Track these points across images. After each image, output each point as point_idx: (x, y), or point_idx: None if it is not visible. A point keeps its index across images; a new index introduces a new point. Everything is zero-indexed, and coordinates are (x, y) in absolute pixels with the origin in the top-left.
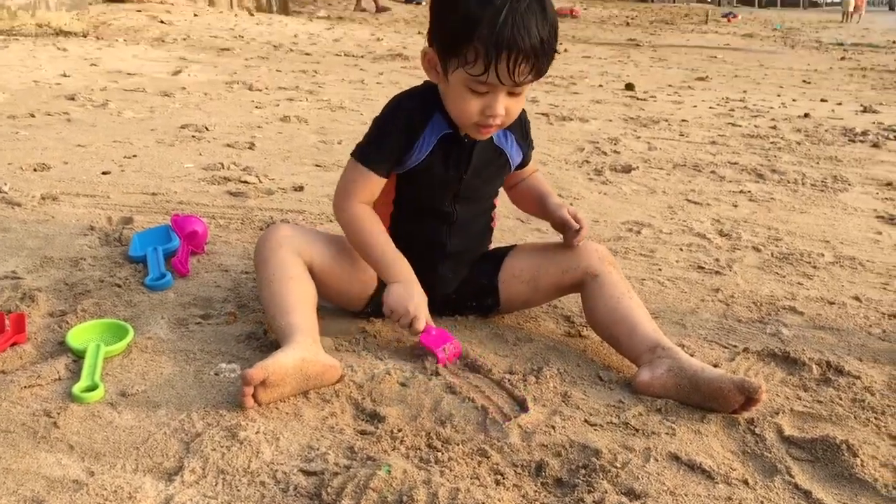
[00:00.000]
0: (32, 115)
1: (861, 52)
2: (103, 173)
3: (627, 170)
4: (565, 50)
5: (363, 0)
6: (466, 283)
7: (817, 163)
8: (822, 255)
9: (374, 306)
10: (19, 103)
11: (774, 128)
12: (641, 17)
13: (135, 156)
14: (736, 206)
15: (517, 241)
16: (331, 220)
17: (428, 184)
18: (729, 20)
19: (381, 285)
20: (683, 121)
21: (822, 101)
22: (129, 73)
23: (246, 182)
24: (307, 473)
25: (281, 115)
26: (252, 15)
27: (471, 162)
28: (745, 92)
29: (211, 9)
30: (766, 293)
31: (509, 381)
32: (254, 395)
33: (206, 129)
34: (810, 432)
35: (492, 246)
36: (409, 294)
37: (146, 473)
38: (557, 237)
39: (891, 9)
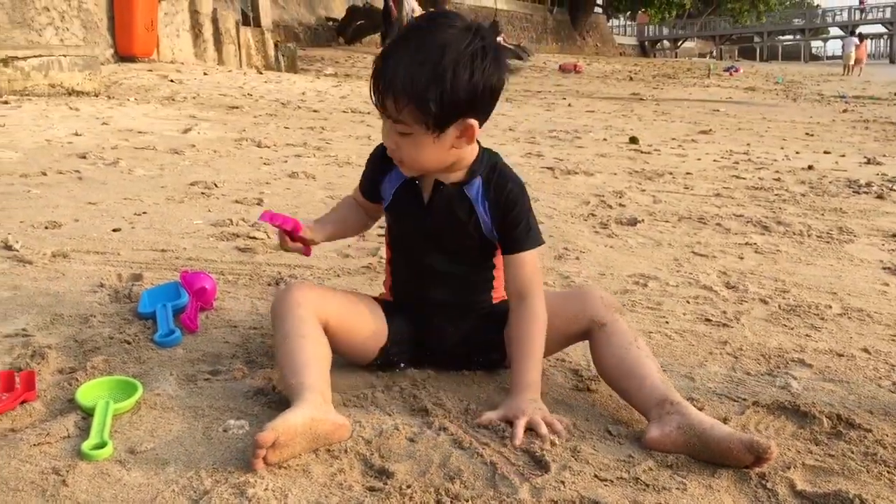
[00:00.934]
0: (44, 174)
1: (863, 105)
2: (113, 230)
3: (633, 223)
4: (569, 105)
5: None
6: (471, 337)
7: (822, 214)
8: (830, 306)
9: (384, 358)
10: (31, 162)
11: (779, 180)
12: (644, 71)
13: (145, 213)
14: (742, 258)
15: None
16: (338, 276)
17: (401, 223)
18: (731, 74)
19: (392, 339)
20: (688, 174)
21: (826, 153)
22: (139, 132)
23: (254, 238)
24: None
25: (289, 171)
26: (261, 73)
27: (434, 205)
28: (748, 145)
29: (220, 67)
30: (774, 345)
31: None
32: (266, 459)
33: (216, 185)
34: (823, 487)
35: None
36: None
37: None
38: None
39: (891, 61)
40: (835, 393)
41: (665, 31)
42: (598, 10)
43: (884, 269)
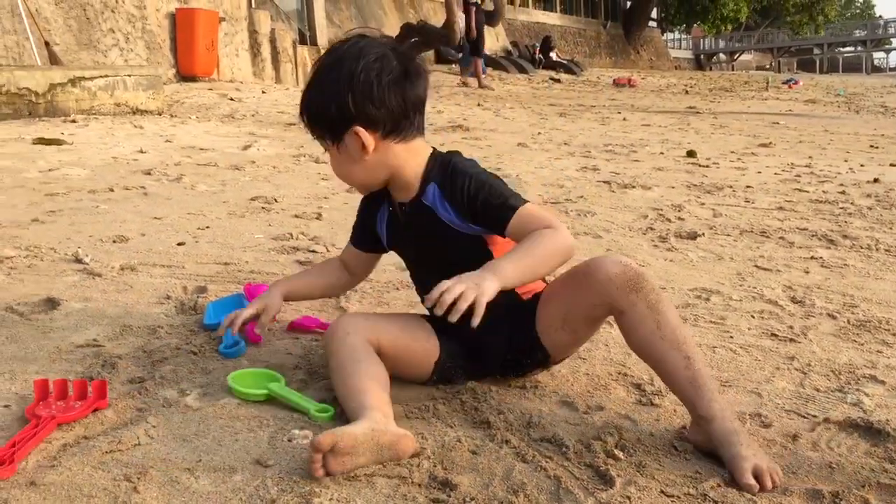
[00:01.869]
0: (111, 190)
1: None
2: (178, 244)
3: (693, 236)
4: (624, 119)
5: (468, 78)
6: (514, 338)
7: (891, 228)
8: None
9: (440, 374)
10: (99, 179)
11: (843, 193)
12: (700, 85)
13: (208, 227)
14: (808, 272)
15: None
16: (398, 289)
17: (401, 254)
18: (790, 87)
19: (444, 353)
20: (748, 187)
21: (892, 165)
22: (201, 149)
23: (314, 251)
24: None
25: (347, 186)
26: None
27: (409, 228)
28: (810, 158)
29: (278, 86)
30: (844, 361)
31: (582, 450)
32: (325, 465)
33: (275, 200)
34: None
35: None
36: None
37: None
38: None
39: None
40: None
41: (721, 44)
42: (652, 23)
43: None
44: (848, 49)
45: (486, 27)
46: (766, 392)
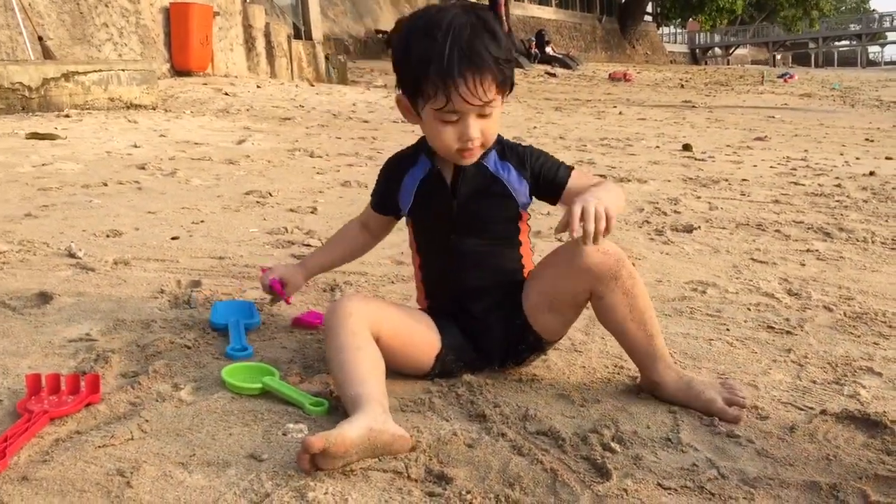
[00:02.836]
0: (105, 184)
1: None
2: (172, 238)
3: (689, 230)
4: (620, 113)
5: None
6: (510, 321)
7: (886, 221)
8: None
9: (441, 367)
10: (92, 173)
11: (839, 186)
12: (696, 79)
13: (202, 221)
14: (804, 264)
15: None
16: (392, 282)
17: (425, 220)
18: (785, 81)
19: (446, 346)
20: (744, 180)
21: (888, 158)
22: (196, 143)
23: (309, 245)
24: None
25: (342, 180)
26: (312, 85)
27: (458, 189)
28: (806, 151)
29: (273, 80)
30: (840, 353)
31: (579, 443)
32: (315, 463)
33: (270, 194)
34: None
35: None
36: None
37: None
38: None
39: None
40: None
41: (717, 38)
42: (647, 18)
43: None
44: (843, 43)
45: None
46: (763, 384)
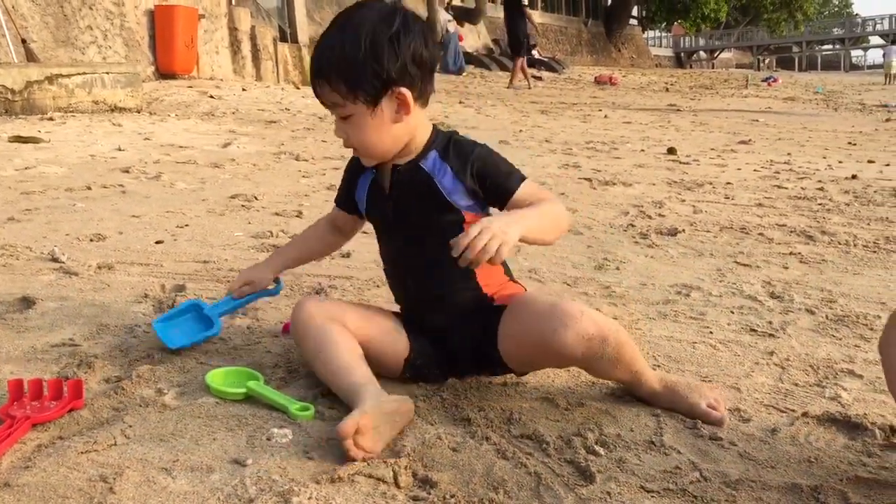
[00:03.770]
0: (89, 188)
1: None
2: (157, 242)
3: (673, 233)
4: (605, 116)
5: (515, 79)
6: (480, 347)
7: (868, 224)
8: (879, 317)
9: (412, 371)
10: (76, 176)
11: (822, 189)
12: (681, 82)
13: (187, 225)
14: (786, 267)
15: None
16: (378, 286)
17: (376, 224)
18: (769, 84)
19: (415, 351)
20: (728, 183)
21: (870, 162)
22: (180, 147)
23: None
24: None
25: (327, 183)
26: (298, 88)
27: (394, 191)
28: (789, 154)
29: (258, 83)
30: (822, 356)
31: (563, 446)
32: (358, 446)
33: (255, 198)
34: (878, 499)
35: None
36: None
37: None
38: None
39: None
40: (887, 404)
41: (701, 42)
42: (633, 22)
43: None
44: (826, 47)
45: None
46: (746, 387)
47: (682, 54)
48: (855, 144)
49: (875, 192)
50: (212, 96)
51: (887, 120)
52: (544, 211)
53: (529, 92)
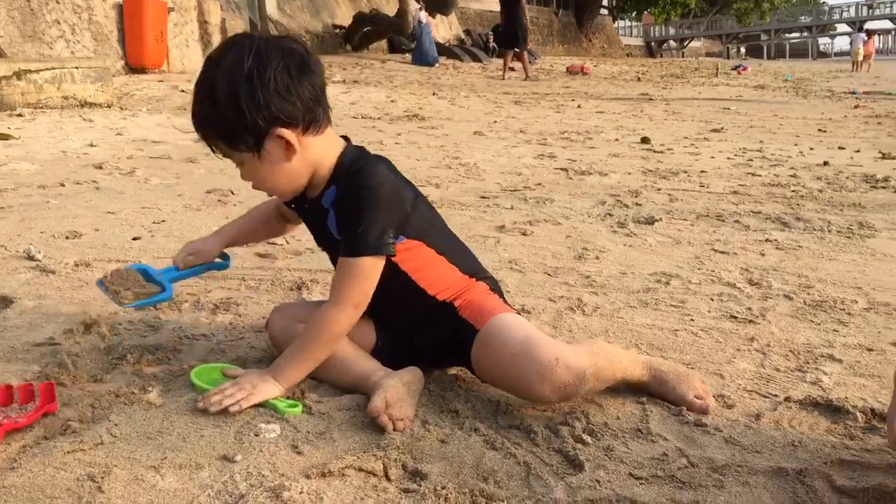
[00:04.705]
0: (62, 185)
1: (874, 100)
2: (134, 239)
3: (651, 221)
4: (578, 106)
5: (528, 70)
6: (443, 344)
7: (841, 210)
8: (856, 301)
9: (379, 359)
10: (48, 173)
11: (794, 176)
12: (652, 72)
13: (163, 221)
14: (763, 254)
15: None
16: None
17: None
18: (739, 73)
19: (381, 341)
20: (703, 172)
21: (840, 148)
22: (154, 142)
23: (273, 243)
24: None
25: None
26: None
27: (302, 216)
28: (761, 142)
29: None
30: (802, 341)
31: (551, 436)
32: (393, 417)
33: (232, 192)
34: (861, 482)
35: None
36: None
37: None
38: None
39: None
40: (867, 387)
41: (671, 31)
42: (603, 11)
43: None
44: (794, 35)
45: (438, 16)
46: (728, 373)
47: (653, 43)
48: (825, 131)
49: (847, 178)
50: (183, 90)
51: (855, 107)
52: (309, 346)
53: (503, 83)
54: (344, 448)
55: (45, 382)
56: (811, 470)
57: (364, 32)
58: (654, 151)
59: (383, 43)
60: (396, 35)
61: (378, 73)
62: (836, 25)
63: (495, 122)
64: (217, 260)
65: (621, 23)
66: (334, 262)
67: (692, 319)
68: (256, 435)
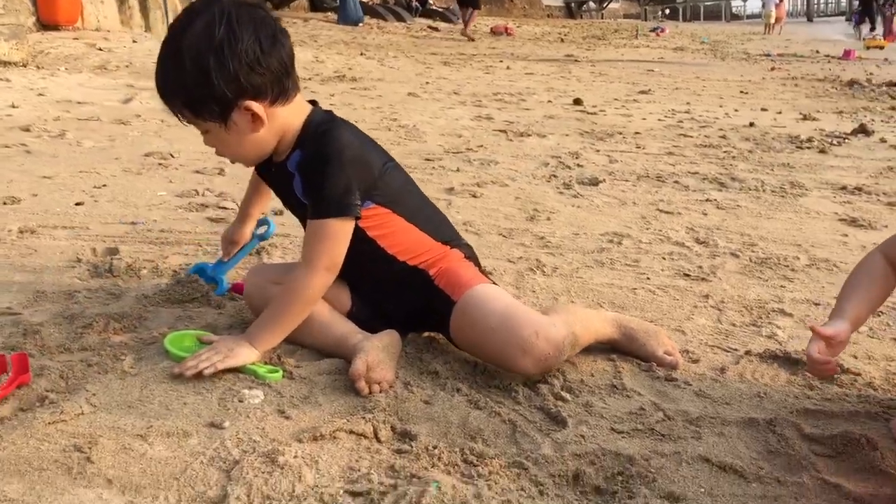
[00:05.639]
0: None
1: (789, 62)
2: (77, 204)
3: (595, 183)
4: (507, 67)
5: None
6: (416, 307)
7: (772, 170)
8: (798, 258)
9: (355, 322)
10: None
11: (724, 137)
12: (574, 33)
13: (105, 185)
14: (706, 214)
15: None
16: None
17: None
18: (658, 34)
19: (356, 306)
20: (637, 133)
21: (763, 110)
22: (79, 102)
23: (224, 208)
24: (354, 494)
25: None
26: None
27: (270, 181)
28: (688, 104)
29: (149, 34)
30: (753, 297)
31: (531, 394)
32: (373, 381)
33: (172, 156)
34: (828, 429)
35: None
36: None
37: (192, 503)
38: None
39: (808, 20)
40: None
41: None
42: None
43: (839, 220)
44: None
45: None
46: (689, 329)
47: (573, 4)
48: (746, 93)
49: (773, 139)
50: (101, 49)
51: (772, 69)
52: (285, 310)
53: (429, 43)
54: (331, 411)
55: (18, 353)
56: (780, 419)
57: None
58: (588, 113)
59: (304, 0)
60: None
61: (301, 32)
62: None
63: (427, 83)
64: (258, 233)
65: None
66: (304, 225)
67: (648, 278)
68: (240, 401)
